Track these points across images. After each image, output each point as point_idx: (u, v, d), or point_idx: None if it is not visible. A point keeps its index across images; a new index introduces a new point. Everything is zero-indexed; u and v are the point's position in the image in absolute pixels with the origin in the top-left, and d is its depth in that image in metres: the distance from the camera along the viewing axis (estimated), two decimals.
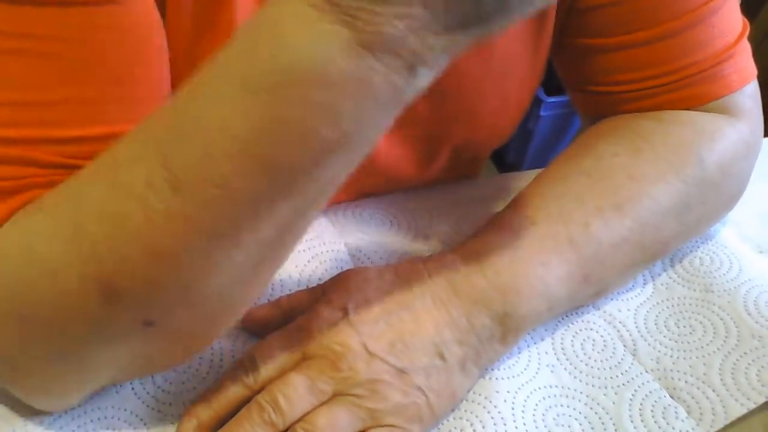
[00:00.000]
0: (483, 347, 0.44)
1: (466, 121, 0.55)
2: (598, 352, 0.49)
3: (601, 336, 0.50)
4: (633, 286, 0.53)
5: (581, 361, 0.48)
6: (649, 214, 0.48)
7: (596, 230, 0.47)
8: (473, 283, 0.45)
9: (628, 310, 0.51)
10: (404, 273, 0.46)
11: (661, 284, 0.53)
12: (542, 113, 1.31)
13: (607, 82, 0.54)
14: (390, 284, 0.45)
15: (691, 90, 0.52)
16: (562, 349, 0.49)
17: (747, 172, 0.55)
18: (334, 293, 0.44)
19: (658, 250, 0.50)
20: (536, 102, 1.30)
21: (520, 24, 0.52)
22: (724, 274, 0.53)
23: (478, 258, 0.46)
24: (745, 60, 0.54)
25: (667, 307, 0.51)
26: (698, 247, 0.56)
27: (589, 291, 0.48)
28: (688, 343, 0.49)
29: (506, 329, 0.45)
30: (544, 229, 0.47)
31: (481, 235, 0.48)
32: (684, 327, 0.50)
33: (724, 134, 0.52)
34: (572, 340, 0.49)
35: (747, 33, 0.54)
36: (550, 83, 1.20)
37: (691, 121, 0.52)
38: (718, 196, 0.52)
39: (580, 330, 0.50)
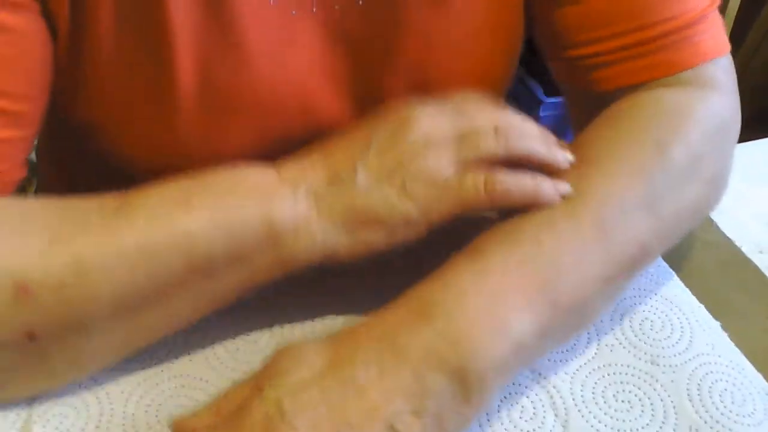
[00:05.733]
0: (444, 413, 0.36)
1: (436, 85, 0.49)
2: (526, 421, 0.42)
3: (531, 402, 0.43)
4: (575, 345, 0.46)
5: (506, 429, 0.41)
6: (609, 214, 0.41)
7: (550, 246, 0.40)
8: (420, 337, 0.37)
9: (566, 373, 0.44)
10: (343, 343, 0.38)
11: (606, 345, 0.46)
12: (542, 114, 1.25)
13: (576, 42, 0.48)
14: (328, 359, 0.37)
15: (662, 56, 0.47)
16: (486, 414, 0.42)
17: (725, 147, 0.48)
18: (266, 382, 0.37)
19: (635, 254, 0.42)
20: (536, 103, 1.25)
21: None
22: (673, 345, 0.46)
23: (424, 306, 0.38)
24: (717, 31, 0.48)
25: (609, 374, 0.44)
26: (651, 306, 0.48)
27: (568, 319, 0.40)
28: (623, 422, 0.42)
29: (467, 386, 0.36)
30: (492, 257, 0.39)
31: (426, 280, 0.40)
32: (622, 402, 0.43)
33: (690, 113, 0.46)
34: (500, 404, 0.42)
35: (717, 4, 0.48)
36: (550, 84, 1.14)
37: (651, 104, 0.46)
38: (695, 178, 0.45)
39: (510, 393, 0.43)
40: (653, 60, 0.47)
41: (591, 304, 0.42)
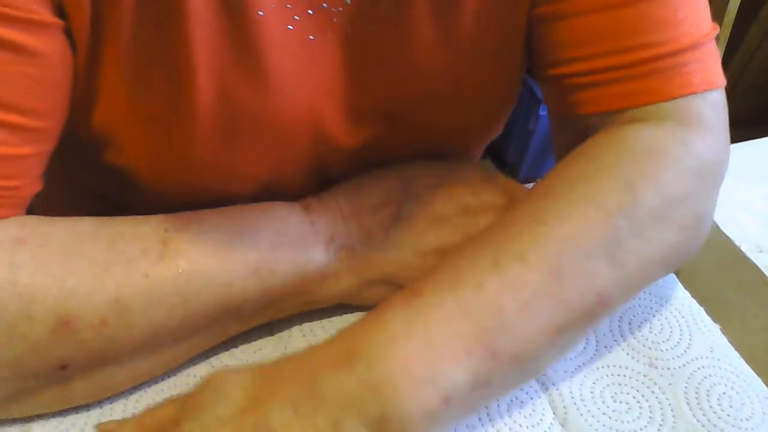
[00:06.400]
0: None
1: (443, 115, 0.49)
2: (525, 417, 0.42)
3: (531, 398, 0.43)
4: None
5: (506, 425, 0.41)
6: (564, 259, 0.37)
7: (494, 291, 0.36)
8: (341, 382, 0.34)
9: (565, 371, 0.44)
10: (266, 380, 0.36)
11: (605, 346, 0.46)
12: (542, 113, 1.23)
13: (558, 60, 0.45)
14: (248, 396, 0.36)
15: (646, 83, 0.43)
16: (486, 412, 0.42)
17: (704, 193, 0.43)
18: (185, 415, 0.36)
19: (593, 304, 0.38)
20: (536, 102, 1.23)
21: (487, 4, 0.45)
22: (671, 348, 0.45)
23: (349, 351, 0.35)
24: (712, 63, 0.44)
25: (607, 375, 0.44)
26: (650, 307, 0.48)
27: (510, 371, 0.37)
28: (622, 422, 0.41)
29: None
30: (428, 300, 0.36)
31: (360, 321, 0.37)
32: (620, 403, 0.43)
33: (665, 152, 0.41)
34: (499, 402, 0.42)
35: (716, 35, 0.45)
36: None
37: (624, 140, 0.42)
38: (665, 226, 0.40)
39: None
40: (635, 86, 0.43)
41: (540, 354, 0.38)
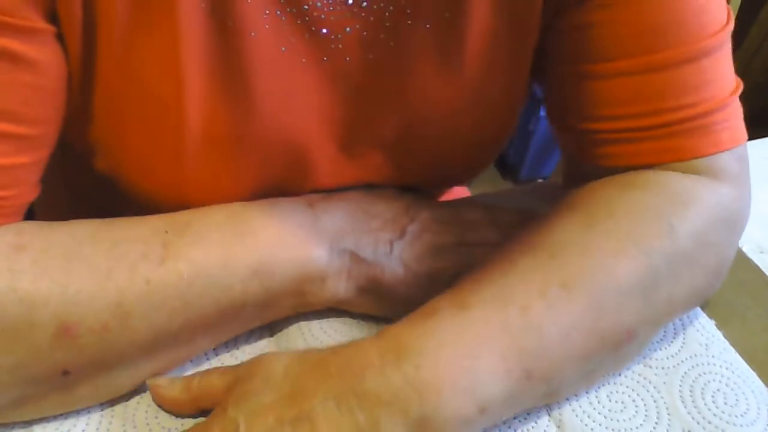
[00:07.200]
0: None
1: (438, 149, 0.49)
2: (520, 421, 0.42)
3: None
4: None
5: (499, 430, 0.42)
6: (605, 294, 0.39)
7: (538, 315, 0.38)
8: (388, 380, 0.35)
9: None
10: (311, 370, 0.37)
11: None
12: (542, 114, 1.23)
13: (585, 116, 0.46)
14: (292, 386, 0.37)
15: (676, 141, 0.44)
16: None
17: (729, 242, 0.45)
18: (230, 399, 0.38)
19: (622, 338, 0.40)
20: (536, 103, 1.22)
21: (493, 40, 0.45)
22: (666, 347, 0.46)
23: (397, 349, 0.36)
24: (737, 120, 0.45)
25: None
26: None
27: (537, 391, 0.38)
28: (617, 422, 0.42)
29: None
30: (475, 314, 0.38)
31: (405, 321, 0.39)
32: (616, 402, 0.43)
33: (699, 200, 0.43)
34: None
35: (740, 91, 0.46)
36: None
37: (661, 184, 0.44)
38: (694, 270, 0.43)
39: None
40: (665, 144, 0.44)
41: (565, 379, 0.40)
